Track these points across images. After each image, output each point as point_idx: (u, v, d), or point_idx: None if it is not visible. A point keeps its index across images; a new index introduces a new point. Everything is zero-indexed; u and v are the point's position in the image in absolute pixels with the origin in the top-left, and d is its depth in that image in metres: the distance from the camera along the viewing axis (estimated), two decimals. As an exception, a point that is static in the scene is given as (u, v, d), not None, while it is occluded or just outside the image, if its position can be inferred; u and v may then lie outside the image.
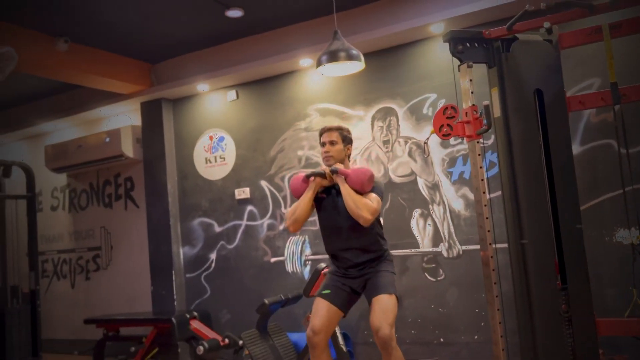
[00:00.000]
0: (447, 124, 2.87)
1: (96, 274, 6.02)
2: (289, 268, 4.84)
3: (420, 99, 4.30)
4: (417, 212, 4.29)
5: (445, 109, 2.88)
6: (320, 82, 4.74)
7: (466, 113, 2.84)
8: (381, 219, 3.14)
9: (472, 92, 2.83)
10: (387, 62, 4.44)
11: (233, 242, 5.12)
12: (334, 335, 3.83)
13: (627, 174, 2.93)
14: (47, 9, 3.98)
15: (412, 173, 4.33)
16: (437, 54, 4.20)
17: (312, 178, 2.95)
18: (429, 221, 4.24)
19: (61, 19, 4.19)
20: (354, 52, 3.38)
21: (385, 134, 4.45)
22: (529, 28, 2.83)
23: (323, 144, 3.01)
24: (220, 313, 5.12)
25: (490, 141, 3.91)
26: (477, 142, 2.85)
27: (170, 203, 5.35)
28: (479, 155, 2.84)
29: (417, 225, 4.29)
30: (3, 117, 6.44)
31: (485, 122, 2.71)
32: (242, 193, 5.07)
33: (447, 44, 2.87)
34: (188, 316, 4.60)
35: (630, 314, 2.99)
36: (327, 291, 2.93)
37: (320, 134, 3.05)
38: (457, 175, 4.15)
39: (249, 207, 5.05)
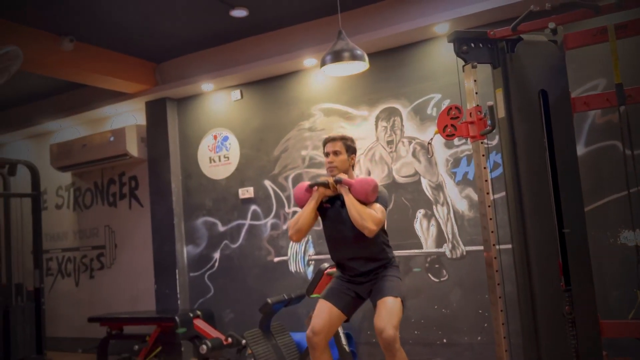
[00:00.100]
0: (451, 125, 2.86)
1: (100, 272, 6.04)
2: (292, 268, 4.84)
3: (425, 99, 4.30)
4: (420, 213, 4.29)
5: (449, 109, 2.87)
6: (324, 82, 4.74)
7: (470, 113, 2.83)
8: (385, 227, 3.12)
9: (476, 93, 2.83)
10: (391, 62, 4.43)
11: (237, 241, 5.13)
12: (337, 336, 3.83)
13: (632, 175, 2.92)
14: (52, 8, 3.99)
15: (416, 173, 4.32)
16: (442, 54, 4.19)
17: (315, 188, 2.93)
18: (433, 222, 4.24)
19: (66, 18, 4.20)
20: (358, 52, 3.38)
21: (389, 134, 4.44)
22: (533, 28, 2.82)
23: (327, 154, 2.98)
24: (224, 312, 5.13)
25: (495, 142, 3.90)
26: (481, 143, 2.84)
27: (174, 202, 5.36)
28: (483, 155, 2.84)
29: (421, 226, 4.28)
30: (8, 115, 6.46)
31: (489, 122, 2.70)
32: (246, 192, 5.08)
33: (451, 45, 2.86)
34: (191, 315, 4.61)
35: (634, 316, 2.98)
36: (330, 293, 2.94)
37: (324, 144, 3.02)
38: (461, 176, 4.14)
39: (253, 207, 5.06)
